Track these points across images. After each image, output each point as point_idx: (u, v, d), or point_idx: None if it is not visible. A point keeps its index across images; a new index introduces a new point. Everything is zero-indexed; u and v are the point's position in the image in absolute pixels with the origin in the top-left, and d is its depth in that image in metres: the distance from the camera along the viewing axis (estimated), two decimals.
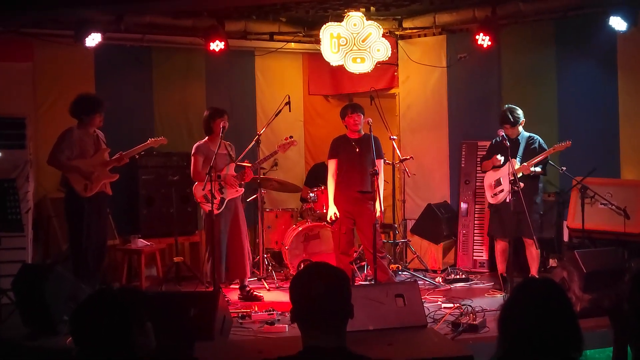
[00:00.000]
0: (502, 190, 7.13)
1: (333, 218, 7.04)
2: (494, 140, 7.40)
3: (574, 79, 8.18)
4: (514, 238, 6.82)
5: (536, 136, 7.24)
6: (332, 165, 7.18)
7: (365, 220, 6.92)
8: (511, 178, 6.70)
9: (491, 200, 7.29)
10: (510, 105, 7.21)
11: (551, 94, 8.32)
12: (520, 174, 6.91)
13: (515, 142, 7.08)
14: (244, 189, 7.09)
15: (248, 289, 7.09)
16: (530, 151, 7.12)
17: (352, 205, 7.03)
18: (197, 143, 7.07)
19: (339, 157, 7.14)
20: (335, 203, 7.06)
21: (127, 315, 2.42)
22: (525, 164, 7.00)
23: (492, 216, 7.38)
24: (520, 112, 7.13)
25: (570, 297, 5.69)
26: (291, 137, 7.27)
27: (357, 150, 7.03)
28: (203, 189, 6.78)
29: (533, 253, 7.05)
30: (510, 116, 7.07)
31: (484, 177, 7.54)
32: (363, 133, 7.17)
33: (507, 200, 6.93)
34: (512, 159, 6.91)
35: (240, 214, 7.09)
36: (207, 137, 7.06)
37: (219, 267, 6.73)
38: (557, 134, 7.96)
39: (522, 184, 6.71)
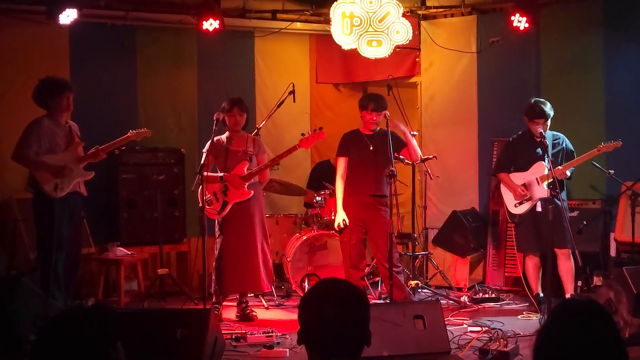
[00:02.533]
0: (529, 198, 7.10)
1: (341, 225, 7.01)
2: (512, 139, 7.38)
3: (624, 68, 8.17)
4: (550, 251, 6.80)
5: (561, 135, 7.24)
6: (341, 164, 7.16)
7: (379, 229, 6.90)
8: (550, 181, 6.70)
9: (514, 210, 7.23)
10: (537, 99, 7.21)
11: (597, 85, 8.30)
12: (551, 179, 6.91)
13: (543, 142, 7.06)
14: (252, 192, 7.01)
15: (243, 305, 7.10)
16: (557, 152, 7.12)
17: (363, 212, 7.01)
18: (212, 139, 7.07)
19: (349, 155, 7.13)
20: (345, 208, 7.05)
21: (101, 338, 2.43)
22: (560, 167, 6.99)
23: (520, 229, 7.31)
24: (550, 106, 7.13)
25: (618, 321, 5.67)
26: (320, 128, 7.10)
27: (371, 148, 7.02)
28: (200, 191, 6.80)
29: (569, 266, 7.04)
30: (544, 109, 7.05)
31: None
32: (379, 128, 7.16)
33: (538, 208, 6.93)
34: (542, 163, 6.91)
35: (254, 218, 7.03)
36: (227, 132, 7.07)
37: (204, 280, 6.73)
38: (603, 131, 7.95)
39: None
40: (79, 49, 8.35)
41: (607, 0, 8.17)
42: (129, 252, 7.79)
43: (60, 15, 7.43)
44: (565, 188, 7.27)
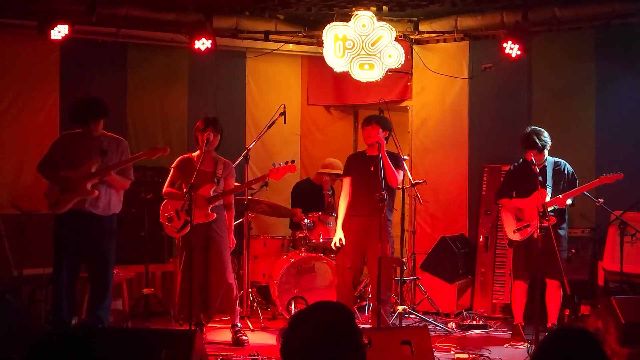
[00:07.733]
0: (527, 225, 7.11)
1: (337, 245, 6.99)
2: (512, 166, 7.41)
3: (616, 97, 8.23)
4: (539, 280, 6.78)
5: (562, 161, 7.25)
6: (344, 184, 7.21)
7: (375, 252, 6.78)
8: (540, 210, 6.68)
9: (513, 237, 7.25)
10: (534, 127, 7.20)
11: (588, 113, 8.36)
12: (552, 207, 6.91)
13: (542, 170, 7.07)
14: (215, 215, 6.90)
15: (236, 329, 7.01)
16: (559, 179, 7.13)
17: (362, 234, 6.89)
18: (182, 156, 7.07)
19: (352, 175, 7.14)
20: (344, 229, 7.02)
21: (85, 359, 2.42)
22: (560, 196, 6.99)
23: (517, 255, 7.32)
24: (547, 135, 7.13)
25: (605, 350, 5.67)
26: (293, 161, 7.06)
27: (372, 168, 6.91)
28: (162, 208, 6.89)
29: (558, 296, 7.06)
30: (537, 140, 7.05)
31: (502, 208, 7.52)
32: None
33: (535, 235, 6.93)
34: (542, 190, 6.91)
35: (215, 242, 6.92)
36: (199, 150, 6.99)
37: (189, 300, 6.66)
38: (593, 160, 8.00)
39: (554, 219, 6.74)
40: (69, 65, 8.38)
41: (599, 29, 8.23)
42: (114, 271, 7.71)
43: (52, 31, 7.44)
44: (566, 218, 7.27)
